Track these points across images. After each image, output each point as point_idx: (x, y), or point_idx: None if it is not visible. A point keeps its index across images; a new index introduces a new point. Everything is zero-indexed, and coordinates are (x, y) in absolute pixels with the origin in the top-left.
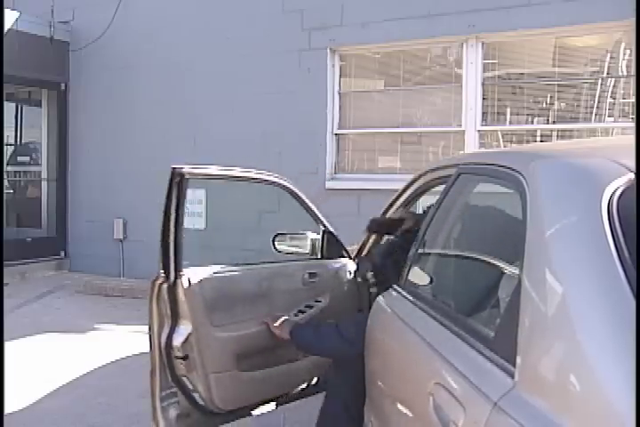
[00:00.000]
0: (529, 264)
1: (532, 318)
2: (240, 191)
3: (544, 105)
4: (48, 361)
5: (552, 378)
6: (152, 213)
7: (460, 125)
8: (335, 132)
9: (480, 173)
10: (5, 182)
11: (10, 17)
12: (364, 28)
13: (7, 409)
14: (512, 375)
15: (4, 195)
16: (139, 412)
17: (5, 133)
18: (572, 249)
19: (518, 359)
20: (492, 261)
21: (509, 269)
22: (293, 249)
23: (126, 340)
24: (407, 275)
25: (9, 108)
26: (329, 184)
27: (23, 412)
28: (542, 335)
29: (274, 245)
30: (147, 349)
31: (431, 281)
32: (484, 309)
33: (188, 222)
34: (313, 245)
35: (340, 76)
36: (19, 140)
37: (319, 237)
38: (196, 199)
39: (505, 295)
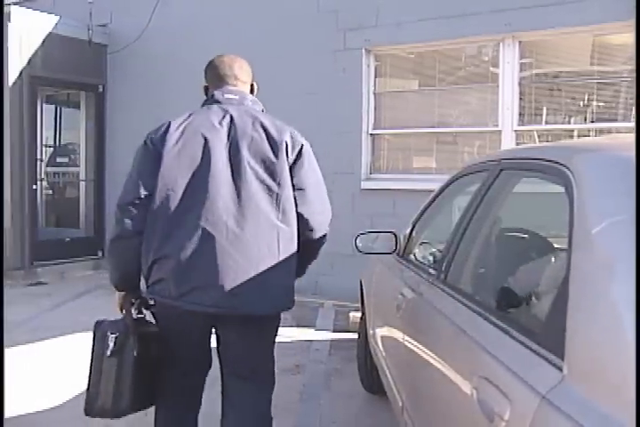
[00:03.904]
0: (577, 257)
1: (582, 312)
2: None
3: (582, 104)
4: (86, 359)
5: (603, 371)
6: None
7: (497, 125)
8: (370, 132)
9: (523, 168)
10: (45, 183)
11: (50, 21)
12: (398, 28)
13: (43, 407)
14: (560, 368)
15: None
16: None
17: (45, 135)
18: (621, 243)
19: (567, 352)
20: (537, 254)
21: (555, 262)
22: (378, 248)
23: None
24: (446, 269)
25: (48, 109)
26: (364, 184)
27: (58, 410)
28: (592, 329)
29: (356, 244)
30: None
31: (473, 275)
32: (527, 302)
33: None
34: (399, 243)
35: (375, 76)
36: (58, 141)
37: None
38: None
39: (551, 288)
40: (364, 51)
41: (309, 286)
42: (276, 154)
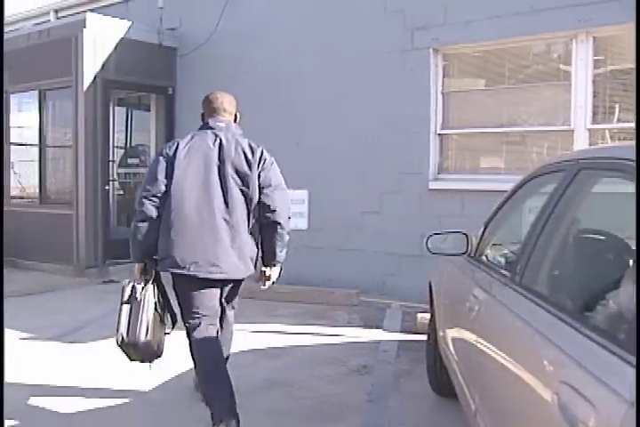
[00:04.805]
0: None
1: None
2: (343, 192)
3: None
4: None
5: None
6: None
7: (569, 124)
8: (438, 132)
9: (603, 167)
10: (116, 184)
11: (122, 26)
12: (467, 26)
13: (115, 402)
14: None
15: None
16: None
17: (116, 136)
18: None
19: None
20: (617, 256)
21: (637, 264)
22: (448, 249)
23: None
24: (521, 271)
25: (120, 112)
26: (432, 185)
27: (129, 404)
28: None
29: (427, 245)
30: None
31: (551, 277)
32: (608, 306)
33: (290, 223)
34: (470, 244)
35: (444, 75)
36: (128, 142)
37: (477, 235)
38: (298, 199)
39: (633, 291)
40: (431, 50)
41: (376, 287)
42: (249, 169)
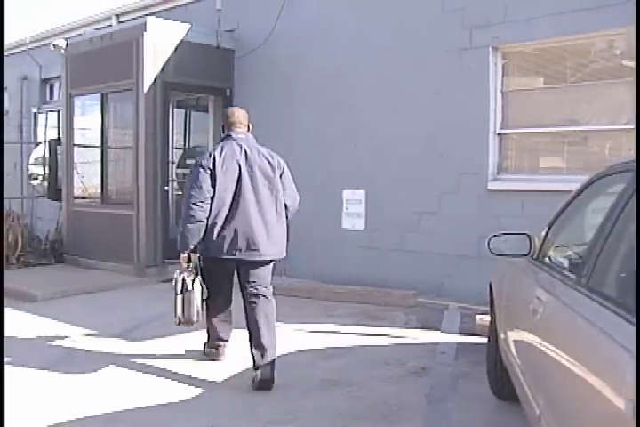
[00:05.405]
0: None
1: None
2: (400, 192)
3: None
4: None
5: None
6: (309, 216)
7: (634, 123)
8: (498, 131)
9: None
10: (175, 184)
11: (181, 29)
12: (528, 24)
13: (176, 397)
14: None
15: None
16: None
17: (175, 138)
18: None
19: None
20: None
21: None
22: (510, 250)
23: (288, 337)
24: (588, 272)
25: (178, 113)
26: (491, 185)
27: (185, 403)
28: None
29: (489, 246)
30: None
31: (619, 279)
32: None
33: (347, 223)
34: (533, 246)
35: (503, 74)
36: (187, 143)
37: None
38: (355, 199)
39: None
40: (490, 49)
41: (434, 288)
42: (273, 172)
